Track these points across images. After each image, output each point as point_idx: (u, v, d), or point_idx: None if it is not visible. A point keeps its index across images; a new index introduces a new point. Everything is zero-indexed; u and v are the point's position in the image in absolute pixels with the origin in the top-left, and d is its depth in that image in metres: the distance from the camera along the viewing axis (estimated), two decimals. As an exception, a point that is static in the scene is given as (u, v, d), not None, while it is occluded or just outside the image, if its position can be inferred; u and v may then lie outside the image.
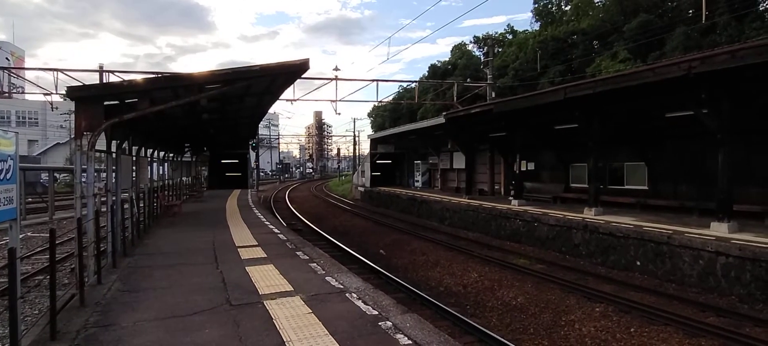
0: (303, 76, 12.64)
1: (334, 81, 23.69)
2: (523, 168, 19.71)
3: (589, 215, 14.48)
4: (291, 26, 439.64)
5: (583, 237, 13.25)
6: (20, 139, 4.83)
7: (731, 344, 7.20)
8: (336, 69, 29.21)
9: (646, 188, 16.60)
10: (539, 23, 41.34)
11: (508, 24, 69.86)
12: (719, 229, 10.91)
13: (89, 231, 7.56)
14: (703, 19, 21.67)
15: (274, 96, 14.88)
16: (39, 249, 14.53)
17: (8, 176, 4.57)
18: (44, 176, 35.89)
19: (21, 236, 6.46)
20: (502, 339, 7.31)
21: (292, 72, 11.16)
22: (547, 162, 21.33)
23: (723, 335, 7.40)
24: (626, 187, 17.36)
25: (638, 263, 11.49)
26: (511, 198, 19.28)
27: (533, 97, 16.16)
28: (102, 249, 8.18)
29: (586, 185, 16.48)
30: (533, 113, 16.93)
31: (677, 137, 15.19)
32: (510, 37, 44.75)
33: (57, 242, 6.02)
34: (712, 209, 11.85)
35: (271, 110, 21.81)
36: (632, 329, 7.88)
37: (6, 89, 22.30)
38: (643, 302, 9.09)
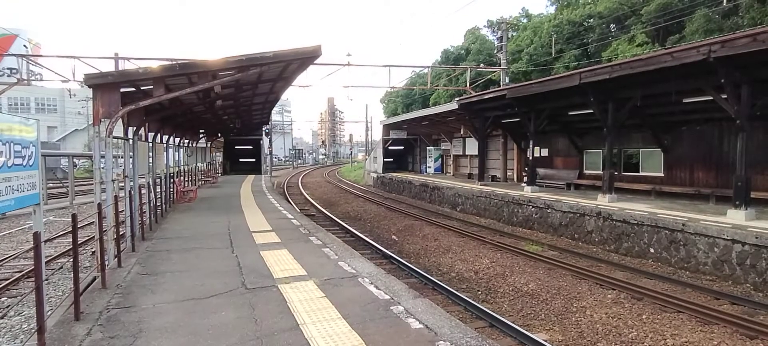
0: (315, 62, 12.69)
1: (346, 66, 23.66)
2: (537, 154, 19.58)
3: (603, 201, 14.37)
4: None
5: (597, 224, 13.17)
6: (40, 126, 4.96)
7: (745, 331, 7.16)
8: (349, 55, 29.19)
9: (661, 174, 16.39)
10: (555, 6, 40.59)
11: (523, 7, 68.51)
12: (736, 216, 10.76)
13: (108, 216, 7.76)
14: (725, 0, 21.08)
15: (287, 82, 14.96)
16: (61, 233, 14.95)
17: (31, 163, 4.72)
18: (64, 161, 36.71)
19: (43, 221, 6.66)
20: (513, 324, 7.37)
21: (304, 58, 11.20)
22: (560, 148, 21.13)
23: (737, 323, 7.35)
24: (641, 173, 17.14)
25: (652, 250, 11.41)
26: (523, 184, 19.19)
27: (547, 82, 15.98)
28: (121, 233, 8.39)
29: (600, 172, 16.32)
30: (547, 99, 16.75)
31: (694, 123, 14.92)
32: (525, 20, 44.04)
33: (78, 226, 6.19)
34: (729, 196, 11.68)
35: (283, 96, 21.92)
36: (644, 316, 7.87)
37: (25, 77, 22.66)
38: (656, 290, 9.05)
